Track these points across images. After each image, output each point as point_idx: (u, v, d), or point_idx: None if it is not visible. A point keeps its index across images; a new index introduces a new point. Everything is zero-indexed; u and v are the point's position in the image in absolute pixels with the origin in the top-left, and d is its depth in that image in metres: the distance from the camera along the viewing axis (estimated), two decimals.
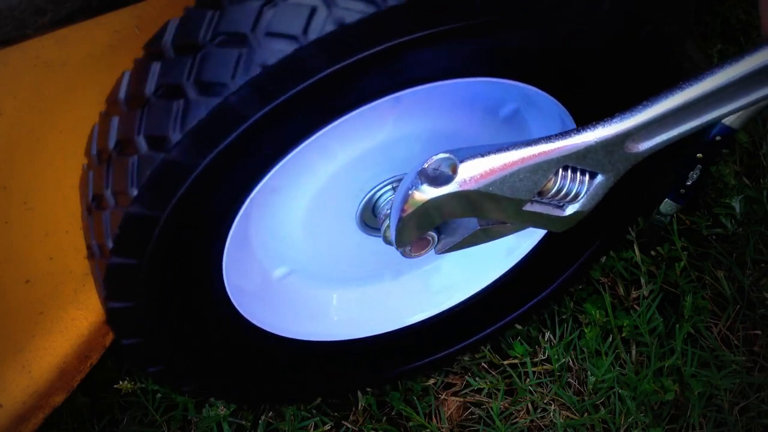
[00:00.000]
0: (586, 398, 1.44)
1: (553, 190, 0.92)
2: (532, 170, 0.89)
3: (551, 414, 1.43)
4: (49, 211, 1.18)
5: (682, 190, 1.40)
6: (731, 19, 1.90)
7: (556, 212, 0.95)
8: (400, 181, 1.14)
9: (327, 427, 1.44)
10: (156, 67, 0.89)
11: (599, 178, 0.92)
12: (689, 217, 1.62)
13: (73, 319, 1.28)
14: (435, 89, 0.95)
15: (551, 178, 0.91)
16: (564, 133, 0.90)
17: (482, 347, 1.49)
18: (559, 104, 1.05)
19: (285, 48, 0.82)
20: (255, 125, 0.87)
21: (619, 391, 1.43)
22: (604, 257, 1.54)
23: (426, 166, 0.91)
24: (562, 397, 1.45)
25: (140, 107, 0.89)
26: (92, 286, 1.25)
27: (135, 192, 0.89)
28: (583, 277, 1.53)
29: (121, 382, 1.42)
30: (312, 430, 1.44)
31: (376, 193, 1.14)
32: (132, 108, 0.91)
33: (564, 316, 1.52)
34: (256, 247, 1.17)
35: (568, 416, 1.43)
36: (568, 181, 0.92)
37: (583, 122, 1.09)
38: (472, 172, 0.89)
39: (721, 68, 0.86)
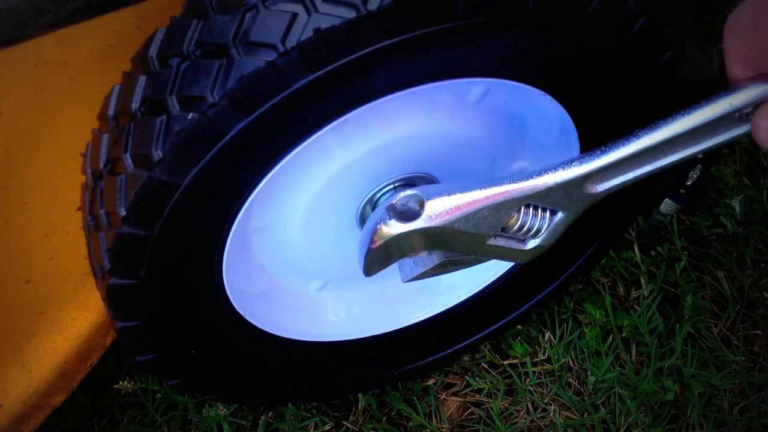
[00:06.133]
0: (586, 398, 1.44)
1: (516, 227, 0.96)
2: (495, 208, 0.93)
3: (551, 414, 1.43)
4: (49, 211, 1.18)
5: (682, 190, 1.40)
6: None
7: (518, 246, 1.00)
8: (400, 181, 1.14)
9: (327, 427, 1.44)
10: (141, 81, 0.88)
11: (559, 215, 0.96)
12: (689, 217, 1.62)
13: (73, 319, 1.28)
14: (432, 90, 0.95)
15: (514, 215, 0.95)
16: (526, 174, 0.94)
17: (482, 347, 1.49)
18: (560, 106, 1.05)
19: (264, 57, 0.81)
20: (236, 139, 0.86)
21: (619, 391, 1.43)
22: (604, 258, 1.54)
23: (395, 201, 0.95)
24: (562, 397, 1.44)
25: (126, 124, 0.88)
26: (92, 286, 1.25)
27: (123, 212, 0.88)
28: (583, 277, 1.53)
29: (121, 382, 1.42)
30: (312, 430, 1.44)
31: (376, 193, 1.13)
32: (120, 125, 0.90)
33: (564, 316, 1.52)
34: (256, 251, 1.17)
35: (568, 416, 1.43)
36: (530, 218, 0.96)
37: (582, 123, 1.10)
38: (438, 209, 0.92)
39: (677, 118, 0.88)
